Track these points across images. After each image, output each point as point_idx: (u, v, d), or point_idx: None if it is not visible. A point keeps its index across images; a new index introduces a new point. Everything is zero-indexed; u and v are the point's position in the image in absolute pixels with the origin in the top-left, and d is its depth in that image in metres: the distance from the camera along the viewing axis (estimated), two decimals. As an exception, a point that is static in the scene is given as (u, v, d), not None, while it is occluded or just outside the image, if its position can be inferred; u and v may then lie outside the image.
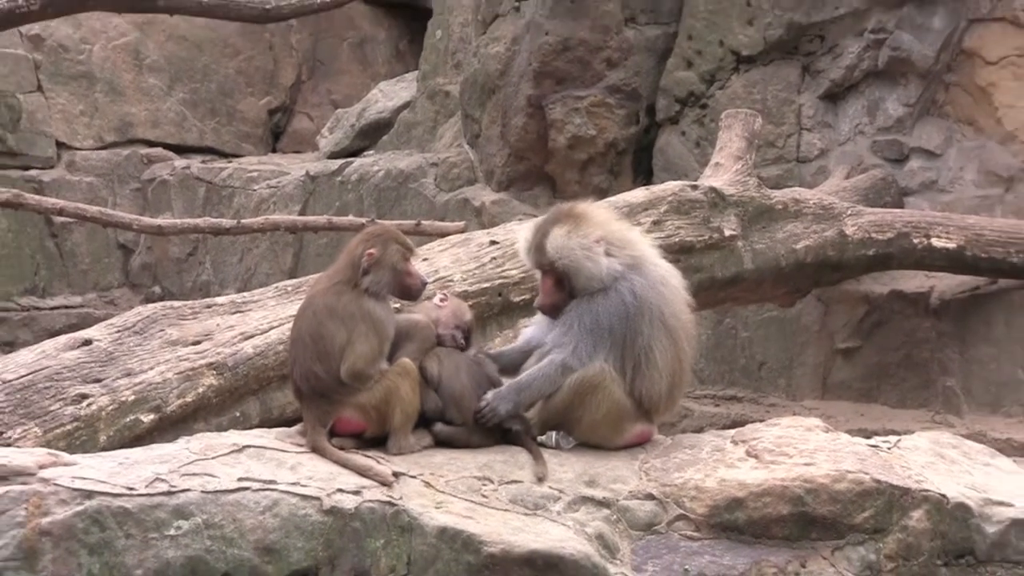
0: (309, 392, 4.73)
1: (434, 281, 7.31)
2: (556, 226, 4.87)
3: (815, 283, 9.21)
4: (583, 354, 4.71)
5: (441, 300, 5.06)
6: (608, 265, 4.79)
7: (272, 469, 4.28)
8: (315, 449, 4.51)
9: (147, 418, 6.33)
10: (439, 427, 4.74)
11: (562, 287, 4.86)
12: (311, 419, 4.65)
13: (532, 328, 5.13)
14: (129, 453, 4.55)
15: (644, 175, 11.19)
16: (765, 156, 10.06)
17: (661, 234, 7.70)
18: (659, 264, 4.92)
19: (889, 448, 4.70)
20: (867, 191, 9.86)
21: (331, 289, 4.91)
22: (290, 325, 6.77)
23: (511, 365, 5.03)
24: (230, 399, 6.57)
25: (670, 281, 4.90)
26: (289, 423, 5.20)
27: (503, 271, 7.28)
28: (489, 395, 4.77)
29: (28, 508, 4.10)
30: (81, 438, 6.09)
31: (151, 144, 16.38)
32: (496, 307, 7.22)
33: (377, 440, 4.70)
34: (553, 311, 4.89)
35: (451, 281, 7.30)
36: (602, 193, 9.53)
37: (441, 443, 4.71)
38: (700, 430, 4.97)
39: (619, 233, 4.94)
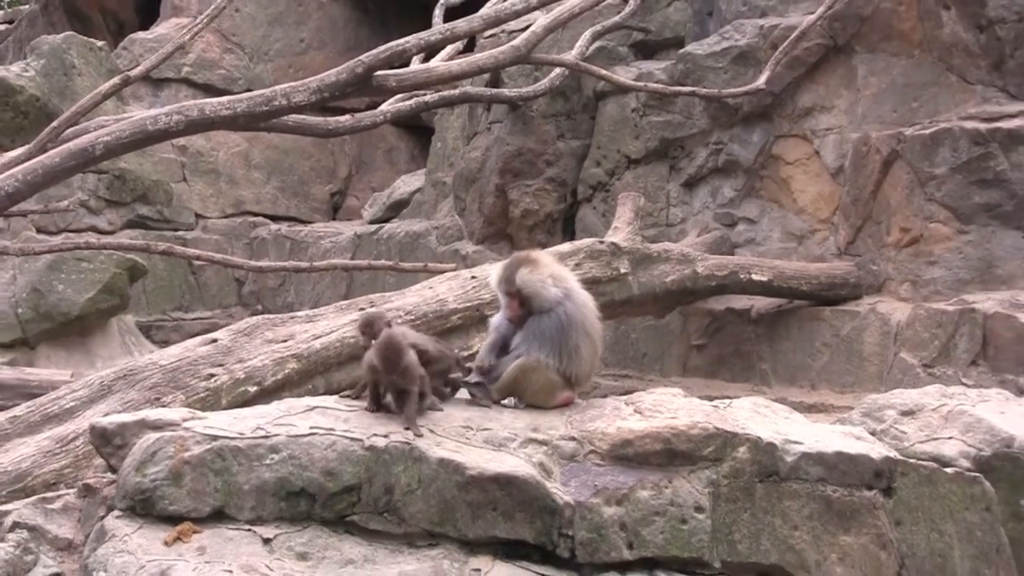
0: None
1: (436, 300, 7.34)
2: (522, 267, 4.84)
3: (678, 303, 9.23)
4: (533, 351, 4.70)
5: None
6: (554, 294, 4.78)
7: (332, 421, 4.26)
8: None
9: (252, 389, 6.31)
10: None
11: (524, 306, 4.83)
12: None
13: (496, 318, 5.06)
14: (240, 411, 4.54)
15: (570, 235, 11.21)
16: (646, 222, 10.10)
17: (580, 271, 7.69)
18: (581, 293, 4.89)
19: (724, 408, 4.70)
20: (711, 245, 9.89)
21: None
22: (344, 332, 6.82)
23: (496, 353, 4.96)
24: (305, 377, 6.55)
25: (588, 304, 4.87)
26: (342, 392, 5.18)
27: (480, 295, 7.29)
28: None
29: (175, 446, 4.10)
30: (210, 402, 6.08)
31: (255, 215, 16.41)
32: (475, 318, 7.22)
33: None
34: (519, 321, 4.84)
35: (447, 301, 7.31)
36: (543, 246, 9.56)
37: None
38: (605, 396, 4.95)
39: (558, 272, 4.91)
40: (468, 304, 7.29)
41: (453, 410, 4.58)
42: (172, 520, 4.02)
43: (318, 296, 14.02)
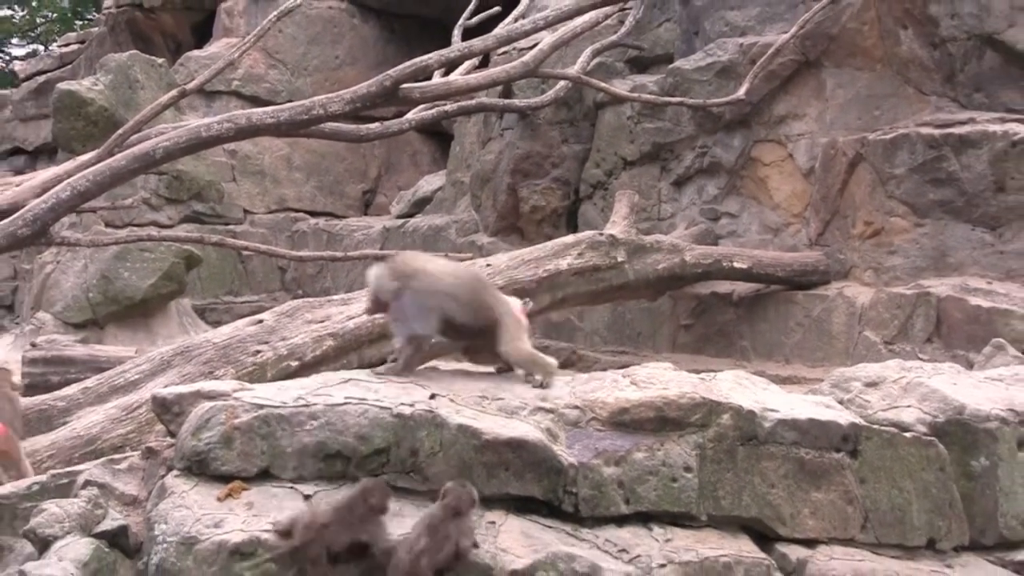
0: None
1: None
2: (373, 267, 4.49)
3: (668, 288, 9.19)
4: (402, 330, 4.45)
5: None
6: (388, 285, 4.39)
7: (364, 392, 4.24)
8: None
9: (294, 364, 6.31)
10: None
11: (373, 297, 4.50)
12: None
13: None
14: (283, 383, 4.51)
15: (573, 228, 11.18)
16: (640, 216, 10.05)
17: (582, 260, 7.67)
18: (430, 274, 4.43)
19: (710, 380, 4.66)
20: (697, 237, 9.84)
21: None
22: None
23: None
24: (341, 353, 6.55)
25: (439, 273, 4.42)
26: (373, 366, 5.15)
27: (492, 281, 7.24)
28: None
29: (226, 414, 4.09)
30: (257, 375, 6.08)
31: (296, 211, 16.36)
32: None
33: None
34: (372, 310, 4.60)
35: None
36: (549, 238, 9.46)
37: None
38: (604, 370, 4.92)
39: (402, 267, 4.46)
40: (483, 289, 7.26)
41: (470, 382, 4.56)
42: (224, 479, 4.01)
43: (352, 282, 14.00)
